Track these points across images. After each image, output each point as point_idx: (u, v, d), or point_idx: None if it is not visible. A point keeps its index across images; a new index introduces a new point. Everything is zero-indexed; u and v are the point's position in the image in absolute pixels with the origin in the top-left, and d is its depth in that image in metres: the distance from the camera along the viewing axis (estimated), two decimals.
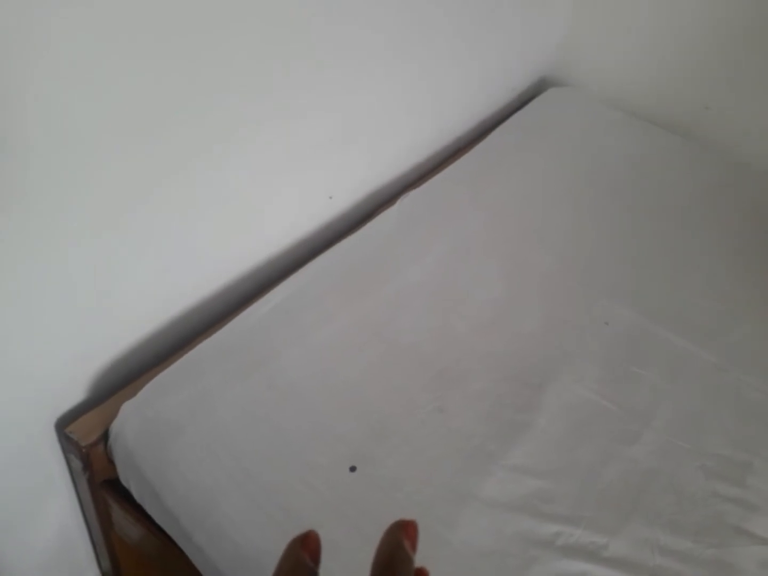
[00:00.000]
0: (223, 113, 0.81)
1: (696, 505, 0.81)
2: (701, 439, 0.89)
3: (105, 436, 0.83)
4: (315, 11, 0.85)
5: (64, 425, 0.83)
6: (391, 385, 0.89)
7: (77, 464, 0.85)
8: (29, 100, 0.59)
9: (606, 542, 0.76)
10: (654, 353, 1.00)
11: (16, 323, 0.72)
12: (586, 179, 1.32)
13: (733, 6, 1.36)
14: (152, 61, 0.68)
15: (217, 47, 0.75)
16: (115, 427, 0.82)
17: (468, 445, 0.84)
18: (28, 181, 0.64)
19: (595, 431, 0.88)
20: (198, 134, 0.79)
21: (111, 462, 0.85)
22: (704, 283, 1.13)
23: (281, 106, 0.89)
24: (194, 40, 0.72)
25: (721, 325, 1.06)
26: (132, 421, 0.81)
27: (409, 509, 0.76)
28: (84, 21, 0.59)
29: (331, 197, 1.12)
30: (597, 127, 1.48)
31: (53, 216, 0.68)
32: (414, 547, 0.29)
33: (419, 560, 0.29)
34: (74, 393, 0.86)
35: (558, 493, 0.80)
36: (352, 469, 0.78)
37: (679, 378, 0.97)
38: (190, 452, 0.78)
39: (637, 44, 1.51)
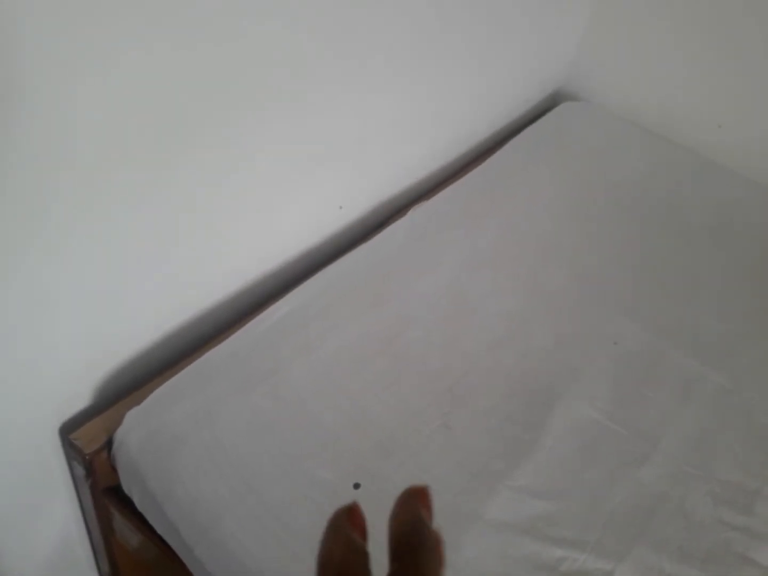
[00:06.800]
0: (235, 121, 0.81)
1: (704, 532, 0.80)
2: (711, 463, 0.88)
3: (109, 444, 0.83)
4: (330, 20, 0.85)
5: (68, 431, 0.82)
6: (398, 400, 0.88)
7: (80, 471, 0.85)
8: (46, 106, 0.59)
9: (611, 568, 0.74)
10: (663, 374, 0.99)
11: (22, 328, 0.71)
12: (599, 195, 1.31)
13: (747, 26, 1.35)
14: (169, 75, 0.68)
15: (230, 54, 0.75)
16: (119, 435, 0.81)
17: (474, 464, 0.83)
18: (42, 186, 0.63)
19: (602, 453, 0.87)
20: (210, 143, 0.79)
21: (114, 469, 0.84)
22: (716, 303, 1.12)
23: (293, 116, 0.89)
24: (207, 46, 0.71)
25: (732, 346, 1.05)
26: (136, 430, 0.81)
27: None
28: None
29: (341, 207, 1.11)
30: (610, 142, 1.46)
31: (63, 222, 0.68)
32: (431, 516, 0.25)
33: None
34: (79, 399, 0.85)
35: (564, 516, 0.79)
36: (356, 486, 0.77)
37: (688, 400, 0.95)
38: (193, 463, 0.78)
39: (652, 60, 1.50)
